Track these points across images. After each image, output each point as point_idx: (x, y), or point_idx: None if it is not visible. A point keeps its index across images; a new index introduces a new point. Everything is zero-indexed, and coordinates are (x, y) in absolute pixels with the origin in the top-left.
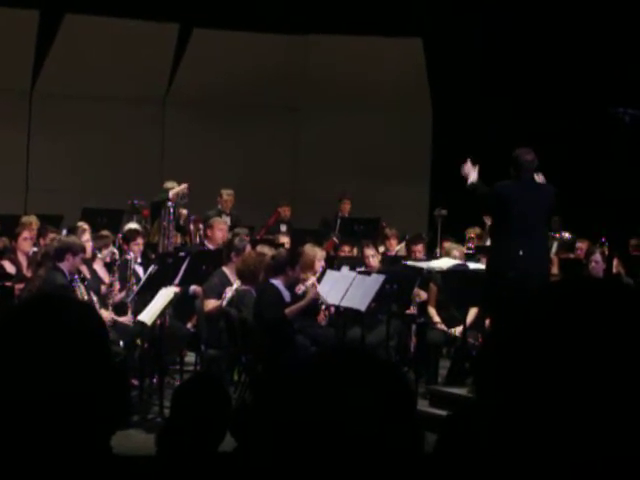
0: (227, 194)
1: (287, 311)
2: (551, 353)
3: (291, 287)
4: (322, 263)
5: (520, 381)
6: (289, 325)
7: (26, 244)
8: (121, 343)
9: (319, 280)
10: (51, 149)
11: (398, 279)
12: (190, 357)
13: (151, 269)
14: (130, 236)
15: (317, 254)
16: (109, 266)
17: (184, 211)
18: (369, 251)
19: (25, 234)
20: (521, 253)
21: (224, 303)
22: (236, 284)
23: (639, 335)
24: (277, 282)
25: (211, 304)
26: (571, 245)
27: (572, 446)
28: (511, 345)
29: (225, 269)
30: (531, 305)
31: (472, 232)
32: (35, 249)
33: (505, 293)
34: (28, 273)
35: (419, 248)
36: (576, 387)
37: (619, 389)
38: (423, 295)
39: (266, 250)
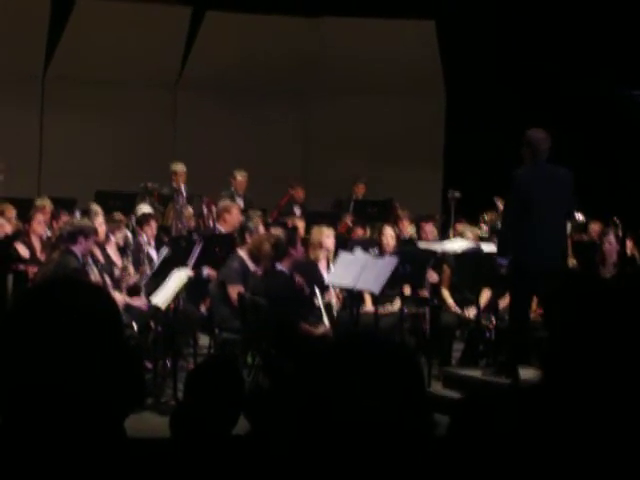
0: (241, 175)
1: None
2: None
3: (302, 271)
4: (332, 240)
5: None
6: (301, 307)
7: (40, 227)
8: (135, 326)
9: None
10: (64, 132)
11: (411, 261)
12: (204, 340)
13: (165, 252)
14: (143, 219)
15: (324, 232)
16: (122, 249)
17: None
18: (389, 231)
19: (39, 217)
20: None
21: None
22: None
23: None
24: (284, 268)
25: (236, 291)
26: (584, 227)
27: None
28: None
29: (241, 252)
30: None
31: (488, 216)
32: (49, 232)
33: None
34: (42, 256)
35: (429, 227)
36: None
37: None
38: (434, 276)
39: (279, 232)
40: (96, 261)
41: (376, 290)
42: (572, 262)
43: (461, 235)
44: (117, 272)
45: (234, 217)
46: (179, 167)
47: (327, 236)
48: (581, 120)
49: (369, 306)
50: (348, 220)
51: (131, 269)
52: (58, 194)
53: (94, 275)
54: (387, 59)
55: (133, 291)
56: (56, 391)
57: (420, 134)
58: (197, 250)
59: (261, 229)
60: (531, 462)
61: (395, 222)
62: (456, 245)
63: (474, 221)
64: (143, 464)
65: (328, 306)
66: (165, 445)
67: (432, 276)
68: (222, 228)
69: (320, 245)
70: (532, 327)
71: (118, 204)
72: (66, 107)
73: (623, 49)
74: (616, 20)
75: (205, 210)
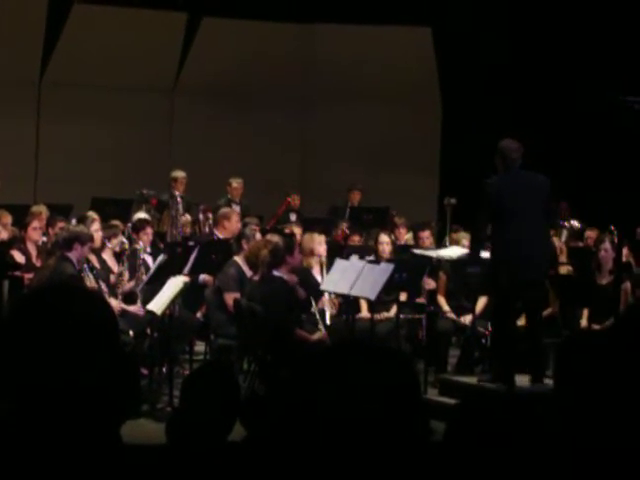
0: (236, 182)
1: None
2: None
3: (298, 277)
4: (324, 246)
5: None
6: (298, 313)
7: (36, 234)
8: (130, 332)
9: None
10: (60, 139)
11: (407, 268)
12: (200, 346)
13: (160, 258)
14: (139, 226)
15: (315, 239)
16: (118, 256)
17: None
18: (384, 238)
19: (35, 224)
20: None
21: None
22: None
23: None
24: (280, 274)
25: (232, 298)
26: (580, 234)
27: None
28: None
29: (237, 259)
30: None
31: None
32: (44, 239)
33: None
34: (37, 263)
35: (426, 234)
36: None
37: None
38: (431, 284)
39: (275, 239)
40: (92, 267)
41: (372, 296)
42: (568, 269)
43: (457, 242)
44: (113, 278)
45: (233, 224)
46: (179, 174)
47: (319, 243)
48: (577, 127)
49: (365, 313)
50: (344, 227)
51: (127, 275)
52: (54, 200)
53: (90, 281)
54: (383, 66)
55: (129, 297)
56: (52, 397)
57: (416, 141)
58: (193, 256)
59: (258, 236)
60: (526, 468)
61: (391, 229)
62: (452, 252)
63: (470, 228)
64: (139, 471)
65: (322, 312)
66: (161, 451)
67: (428, 283)
68: (220, 235)
69: (312, 252)
70: (525, 335)
71: (114, 211)
72: (62, 113)
73: (623, 55)
74: (608, 28)
75: (201, 217)
